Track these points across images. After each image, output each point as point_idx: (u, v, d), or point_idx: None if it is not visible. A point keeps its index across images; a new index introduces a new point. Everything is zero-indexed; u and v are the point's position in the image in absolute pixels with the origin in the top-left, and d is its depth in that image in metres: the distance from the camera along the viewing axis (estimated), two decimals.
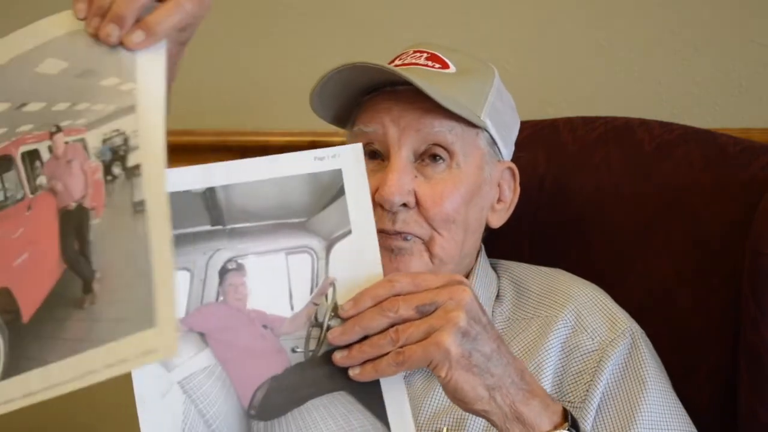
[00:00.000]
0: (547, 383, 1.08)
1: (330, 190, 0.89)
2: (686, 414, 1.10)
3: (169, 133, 1.93)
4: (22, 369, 0.78)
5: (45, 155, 0.81)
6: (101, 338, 0.76)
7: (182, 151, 1.70)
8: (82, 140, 0.80)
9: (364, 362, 0.87)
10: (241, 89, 1.70)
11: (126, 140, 0.79)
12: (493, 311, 1.17)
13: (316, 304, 0.89)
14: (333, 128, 1.22)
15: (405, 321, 0.86)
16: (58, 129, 0.80)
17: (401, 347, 0.85)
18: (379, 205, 1.08)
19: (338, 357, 0.87)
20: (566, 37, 1.56)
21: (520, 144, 1.23)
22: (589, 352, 1.09)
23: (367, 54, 1.16)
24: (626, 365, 1.09)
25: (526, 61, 1.58)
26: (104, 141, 0.80)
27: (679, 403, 1.10)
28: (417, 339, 0.85)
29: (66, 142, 0.80)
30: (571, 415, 0.93)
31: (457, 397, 0.88)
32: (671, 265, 1.22)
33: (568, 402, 1.07)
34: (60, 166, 0.81)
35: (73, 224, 0.80)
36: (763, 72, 1.48)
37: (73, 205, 0.80)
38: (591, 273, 1.22)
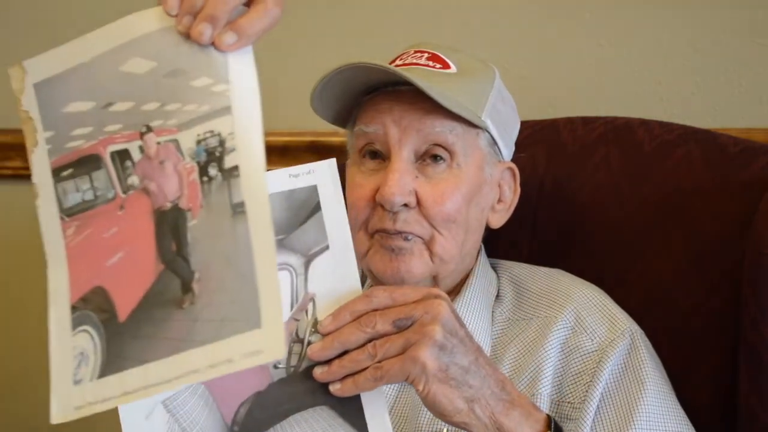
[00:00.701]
0: (546, 384, 1.09)
1: (306, 207, 0.89)
2: (685, 415, 1.10)
3: None
4: (120, 368, 0.78)
5: (136, 155, 0.80)
6: (203, 338, 0.77)
7: None
8: (175, 141, 0.80)
9: (344, 377, 0.87)
10: None
11: (222, 142, 0.78)
12: (493, 311, 1.17)
13: (296, 320, 0.89)
14: (333, 128, 1.22)
15: (382, 336, 0.86)
16: (149, 129, 0.80)
17: (379, 362, 0.86)
18: (379, 205, 1.08)
19: (318, 372, 0.87)
20: (566, 37, 1.56)
21: (520, 144, 1.23)
22: (588, 353, 1.09)
23: (367, 54, 1.16)
24: (625, 366, 1.09)
25: (526, 61, 1.58)
26: (198, 142, 0.79)
27: (678, 404, 1.10)
28: (394, 353, 0.86)
29: (158, 143, 0.80)
30: (555, 422, 0.94)
31: (436, 409, 0.88)
32: (671, 265, 1.22)
33: (568, 403, 1.07)
34: (153, 166, 0.80)
35: (169, 225, 0.80)
36: (763, 72, 1.48)
37: (168, 205, 0.80)
38: (591, 273, 1.22)
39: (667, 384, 1.12)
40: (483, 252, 1.21)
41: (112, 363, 0.79)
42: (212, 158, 0.79)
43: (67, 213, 0.81)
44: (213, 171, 0.79)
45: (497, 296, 1.19)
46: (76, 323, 0.80)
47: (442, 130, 1.09)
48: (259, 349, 0.75)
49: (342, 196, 0.89)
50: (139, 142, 0.80)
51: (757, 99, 1.49)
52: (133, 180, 0.81)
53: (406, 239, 1.09)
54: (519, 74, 1.57)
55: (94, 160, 0.81)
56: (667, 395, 1.09)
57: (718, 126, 1.43)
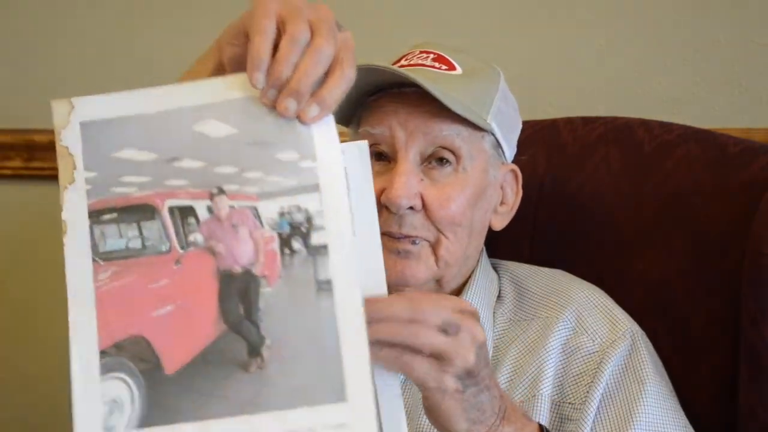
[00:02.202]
0: (547, 384, 1.09)
1: None
2: (684, 416, 1.10)
3: None
4: (170, 420, 0.77)
5: (203, 214, 0.80)
6: (275, 404, 0.76)
7: None
8: (254, 208, 0.80)
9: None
10: None
11: (309, 218, 0.79)
12: (494, 312, 1.17)
13: None
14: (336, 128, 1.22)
15: (424, 322, 0.82)
16: (221, 191, 0.80)
17: (407, 346, 0.82)
18: (385, 208, 1.08)
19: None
20: (566, 38, 1.56)
21: (520, 144, 1.23)
22: (589, 354, 1.09)
23: (366, 54, 1.16)
24: (626, 367, 1.09)
25: (526, 61, 1.58)
26: (281, 214, 0.79)
27: (678, 405, 1.11)
28: (426, 351, 0.82)
29: (231, 206, 0.80)
30: (547, 431, 0.94)
31: (436, 421, 0.87)
32: (671, 265, 1.22)
33: (569, 403, 1.08)
34: (223, 228, 0.80)
35: (238, 288, 0.79)
36: (763, 72, 1.48)
37: (238, 269, 0.80)
38: (591, 273, 1.22)
39: (667, 385, 1.12)
40: (484, 253, 1.21)
41: (157, 414, 0.78)
42: (297, 232, 0.79)
43: (104, 257, 0.80)
44: (297, 245, 0.79)
45: (498, 297, 1.19)
46: (106, 369, 0.79)
47: (449, 133, 1.09)
48: (345, 423, 0.75)
49: (371, 180, 0.85)
50: (207, 202, 0.80)
51: (757, 99, 1.49)
52: (196, 237, 0.80)
53: (413, 243, 1.08)
54: (519, 74, 1.56)
55: (148, 211, 0.80)
56: (667, 396, 1.09)
57: (718, 126, 1.43)
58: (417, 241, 1.09)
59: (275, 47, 0.77)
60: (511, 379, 1.10)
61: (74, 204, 0.80)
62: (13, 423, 1.92)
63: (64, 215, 0.80)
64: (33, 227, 1.81)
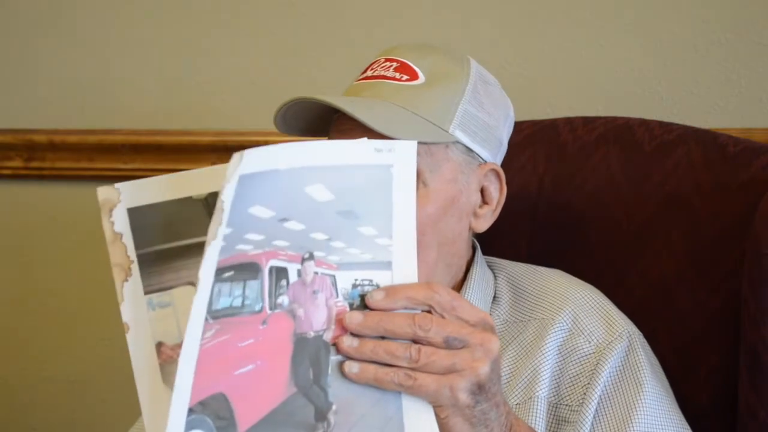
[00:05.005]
0: (544, 386, 1.08)
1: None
2: (682, 417, 1.10)
3: (168, 133, 1.92)
4: None
5: (292, 277, 0.81)
6: None
7: (182, 151, 1.70)
8: (332, 277, 0.82)
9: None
10: (241, 89, 1.70)
11: None
12: (490, 313, 1.16)
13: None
14: None
15: (428, 343, 0.82)
16: (311, 256, 0.81)
17: (413, 369, 0.82)
18: None
19: (346, 344, 0.81)
20: (566, 37, 1.56)
21: (520, 144, 1.23)
22: (586, 355, 1.09)
23: (365, 54, 1.16)
24: (623, 368, 1.08)
25: (526, 61, 1.58)
26: (354, 285, 0.82)
27: (676, 405, 1.10)
28: (435, 371, 0.82)
29: (315, 273, 0.81)
30: None
31: None
32: (671, 265, 1.22)
33: (566, 405, 1.07)
34: (305, 293, 0.81)
35: (309, 353, 0.81)
36: (763, 72, 1.48)
37: (311, 334, 0.81)
38: (590, 273, 1.22)
39: (665, 386, 1.11)
40: (479, 253, 1.19)
41: None
42: (366, 304, 0.82)
43: (213, 315, 0.79)
44: None
45: (494, 297, 1.18)
46: (190, 426, 0.79)
47: None
48: None
49: (415, 185, 0.83)
50: (298, 266, 0.81)
51: (757, 99, 1.49)
52: (283, 300, 0.81)
53: None
54: (519, 74, 1.57)
55: (254, 270, 0.81)
56: (664, 397, 1.09)
57: (718, 126, 1.43)
58: None
59: None
60: (508, 381, 1.10)
61: (210, 261, 0.78)
62: (12, 422, 1.92)
63: (201, 273, 0.78)
64: (32, 227, 1.81)
